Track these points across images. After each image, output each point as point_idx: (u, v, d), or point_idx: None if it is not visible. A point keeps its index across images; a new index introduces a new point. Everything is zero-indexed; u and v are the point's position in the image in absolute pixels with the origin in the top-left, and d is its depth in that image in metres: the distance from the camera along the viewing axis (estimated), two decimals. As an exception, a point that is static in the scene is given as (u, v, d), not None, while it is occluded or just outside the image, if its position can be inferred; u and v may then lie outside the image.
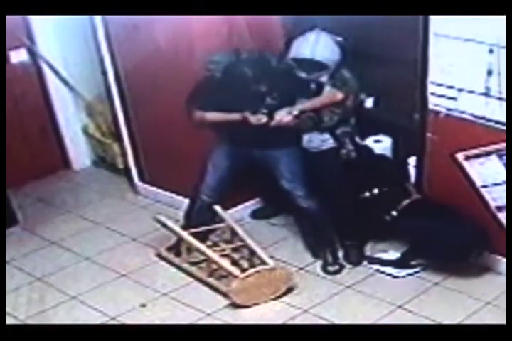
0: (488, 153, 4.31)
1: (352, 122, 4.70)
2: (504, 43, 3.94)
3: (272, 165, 4.72)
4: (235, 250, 4.86)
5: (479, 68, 4.11)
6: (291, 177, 4.70)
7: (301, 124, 4.57)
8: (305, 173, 4.70)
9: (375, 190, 4.62)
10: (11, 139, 5.72)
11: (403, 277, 4.68)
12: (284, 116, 4.47)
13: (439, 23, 4.17)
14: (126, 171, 5.92)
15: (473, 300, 4.44)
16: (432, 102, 4.41)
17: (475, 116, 4.26)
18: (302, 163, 4.69)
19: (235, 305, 4.47)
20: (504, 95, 4.07)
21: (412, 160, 4.78)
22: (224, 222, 4.94)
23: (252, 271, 4.48)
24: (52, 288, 4.76)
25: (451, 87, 4.30)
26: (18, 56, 5.74)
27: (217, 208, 4.93)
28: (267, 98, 4.49)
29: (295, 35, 4.62)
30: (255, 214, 5.44)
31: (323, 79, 4.57)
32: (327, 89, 4.53)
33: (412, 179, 4.77)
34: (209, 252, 4.69)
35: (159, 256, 5.03)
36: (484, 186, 4.44)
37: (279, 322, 4.35)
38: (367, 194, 4.63)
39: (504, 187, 4.34)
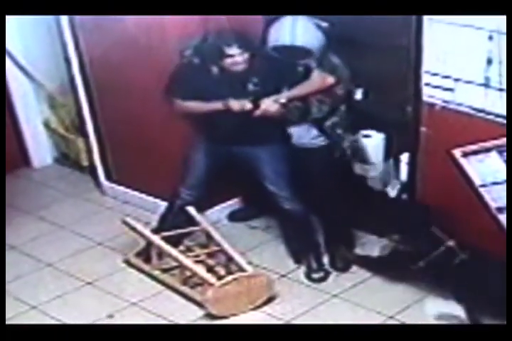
0: (487, 150, 4.23)
1: (342, 112, 4.63)
2: (505, 29, 3.85)
3: (253, 164, 4.67)
4: (210, 255, 4.82)
5: (478, 56, 4.05)
6: (275, 178, 4.64)
7: (287, 115, 4.48)
8: (291, 172, 4.63)
9: (395, 236, 4.51)
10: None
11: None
12: (270, 104, 4.39)
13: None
14: (92, 169, 5.88)
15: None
16: (427, 94, 4.35)
17: (473, 109, 4.21)
18: (287, 162, 4.62)
19: (210, 316, 4.47)
20: (505, 86, 4.00)
21: (404, 157, 4.74)
22: (199, 224, 4.90)
23: (229, 278, 4.46)
24: (11, 297, 4.67)
25: (447, 77, 4.24)
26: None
27: (191, 209, 4.90)
28: (248, 84, 4.40)
29: (270, 20, 4.54)
30: (233, 216, 5.38)
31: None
32: (316, 73, 4.44)
33: (405, 178, 4.73)
34: (182, 258, 4.66)
35: (127, 262, 4.99)
36: (483, 185, 4.36)
37: (259, 333, 4.43)
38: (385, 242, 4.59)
39: (505, 186, 4.25)
